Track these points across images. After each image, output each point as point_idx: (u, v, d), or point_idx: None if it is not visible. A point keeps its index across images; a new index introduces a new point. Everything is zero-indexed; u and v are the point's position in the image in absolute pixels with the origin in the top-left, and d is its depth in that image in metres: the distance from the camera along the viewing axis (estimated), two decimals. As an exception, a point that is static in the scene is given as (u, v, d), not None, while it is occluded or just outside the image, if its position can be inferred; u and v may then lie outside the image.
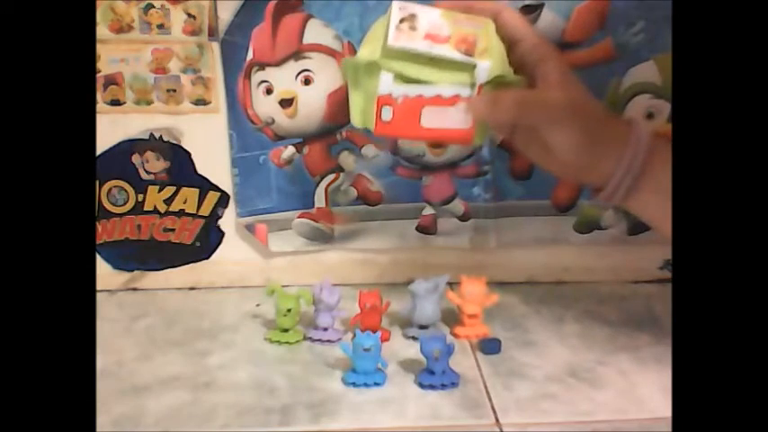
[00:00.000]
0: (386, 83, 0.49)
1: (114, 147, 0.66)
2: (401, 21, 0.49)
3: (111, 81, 0.64)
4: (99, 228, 0.67)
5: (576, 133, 0.50)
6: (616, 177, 0.50)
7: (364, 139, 0.66)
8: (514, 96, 0.50)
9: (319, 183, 0.67)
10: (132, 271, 0.69)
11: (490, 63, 0.48)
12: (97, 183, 0.66)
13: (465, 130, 0.49)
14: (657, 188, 0.50)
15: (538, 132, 0.51)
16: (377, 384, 0.51)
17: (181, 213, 0.67)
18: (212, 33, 0.64)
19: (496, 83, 0.49)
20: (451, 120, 0.49)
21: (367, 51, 0.50)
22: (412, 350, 0.55)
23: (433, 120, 0.49)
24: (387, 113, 0.49)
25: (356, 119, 0.51)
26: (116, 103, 0.65)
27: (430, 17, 0.49)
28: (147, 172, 0.66)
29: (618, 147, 0.50)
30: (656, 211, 0.51)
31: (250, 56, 0.64)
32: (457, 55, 0.48)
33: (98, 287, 0.67)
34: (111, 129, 0.65)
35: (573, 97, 0.50)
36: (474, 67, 0.48)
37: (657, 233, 0.52)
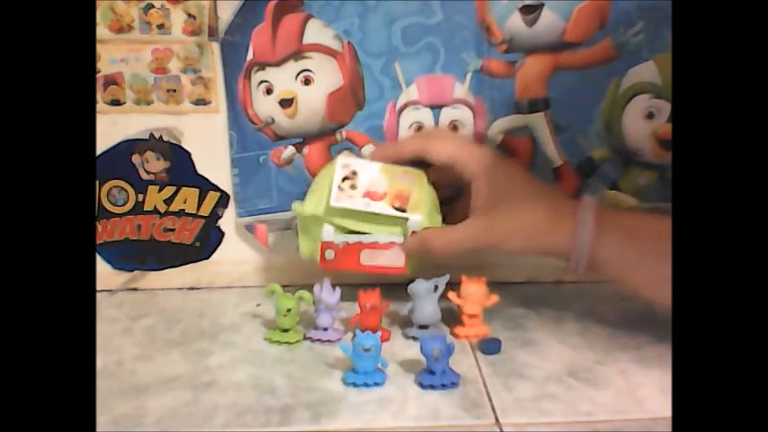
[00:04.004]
0: (328, 233, 0.58)
1: (114, 147, 0.66)
2: (343, 179, 0.57)
3: (111, 81, 0.64)
4: (99, 228, 0.67)
5: (515, 243, 0.55)
6: (573, 257, 0.54)
7: (364, 138, 0.66)
8: (442, 239, 0.56)
9: (319, 183, 0.67)
10: (132, 271, 0.69)
11: (421, 217, 0.57)
12: (97, 183, 0.66)
13: (399, 267, 0.58)
14: (615, 259, 0.53)
15: None
16: (377, 384, 0.51)
17: (181, 213, 0.67)
18: (212, 33, 0.64)
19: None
20: (387, 259, 0.58)
21: (312, 205, 0.58)
22: (412, 350, 0.55)
23: (371, 259, 0.58)
24: (329, 254, 0.58)
25: (304, 254, 0.60)
26: (116, 103, 0.65)
27: (370, 173, 0.57)
28: (147, 172, 0.66)
29: (570, 228, 0.53)
30: (622, 275, 0.54)
31: (250, 56, 0.64)
32: (392, 211, 0.57)
33: (98, 287, 0.67)
34: (111, 129, 0.65)
35: (501, 216, 0.55)
36: (407, 220, 0.57)
37: (633, 294, 0.55)
